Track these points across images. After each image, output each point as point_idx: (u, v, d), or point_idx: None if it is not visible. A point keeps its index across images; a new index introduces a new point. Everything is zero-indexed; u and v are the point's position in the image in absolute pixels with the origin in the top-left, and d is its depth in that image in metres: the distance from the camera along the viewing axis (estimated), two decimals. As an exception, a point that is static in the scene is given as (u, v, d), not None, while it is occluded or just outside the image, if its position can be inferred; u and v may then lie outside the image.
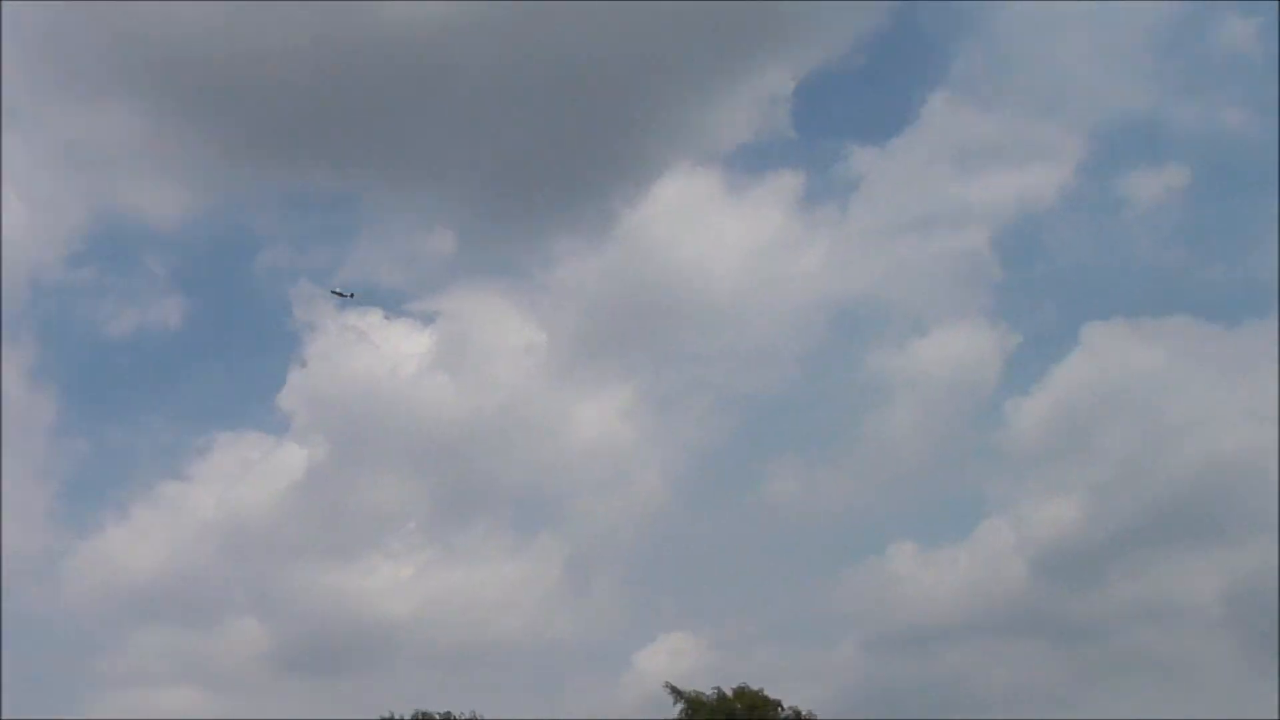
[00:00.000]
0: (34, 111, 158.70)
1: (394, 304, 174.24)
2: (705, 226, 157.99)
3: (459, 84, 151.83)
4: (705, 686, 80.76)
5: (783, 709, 79.70)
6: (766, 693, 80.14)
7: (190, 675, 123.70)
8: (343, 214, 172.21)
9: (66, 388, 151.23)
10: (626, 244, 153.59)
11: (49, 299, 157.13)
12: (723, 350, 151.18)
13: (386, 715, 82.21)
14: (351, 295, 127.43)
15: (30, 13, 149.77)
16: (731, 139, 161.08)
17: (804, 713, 79.74)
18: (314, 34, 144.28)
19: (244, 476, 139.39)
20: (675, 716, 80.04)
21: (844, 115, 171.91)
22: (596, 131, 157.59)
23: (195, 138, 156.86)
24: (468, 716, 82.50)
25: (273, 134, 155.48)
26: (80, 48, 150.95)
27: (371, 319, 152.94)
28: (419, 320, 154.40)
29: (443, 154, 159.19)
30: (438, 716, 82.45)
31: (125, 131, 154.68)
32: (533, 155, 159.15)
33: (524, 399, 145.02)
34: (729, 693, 79.95)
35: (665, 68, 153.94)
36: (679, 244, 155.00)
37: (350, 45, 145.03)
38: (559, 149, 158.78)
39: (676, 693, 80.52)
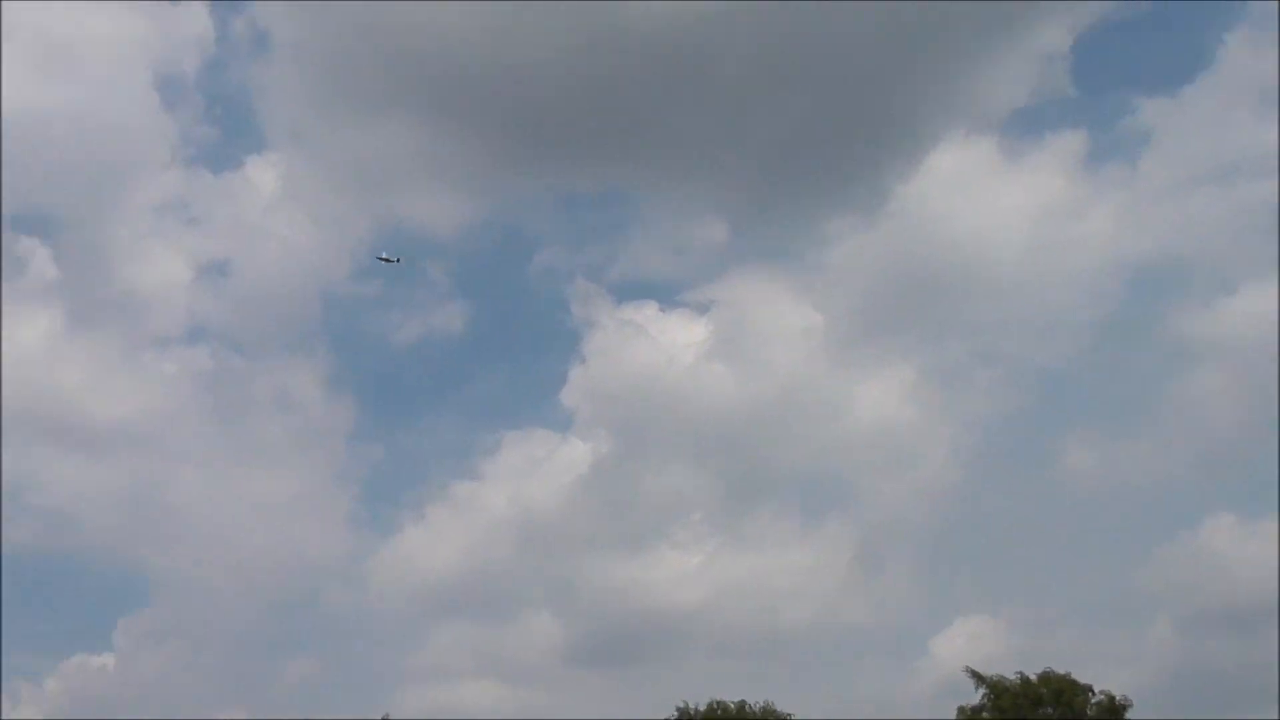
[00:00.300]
0: (317, 131, 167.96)
1: (669, 295, 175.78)
2: (983, 195, 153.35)
3: (721, 71, 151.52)
4: (1007, 671, 76.81)
5: (1094, 694, 74.84)
6: (1075, 677, 75.58)
7: (490, 668, 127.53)
8: (614, 210, 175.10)
9: (360, 396, 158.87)
10: (901, 219, 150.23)
11: (340, 311, 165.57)
12: (1009, 321, 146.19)
13: (681, 705, 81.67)
14: (399, 260, 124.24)
15: (311, 36, 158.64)
16: (1006, 103, 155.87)
17: (1118, 698, 74.68)
18: (575, 38, 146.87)
19: (532, 473, 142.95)
20: (976, 703, 76.43)
21: (1128, 67, 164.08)
22: (864, 107, 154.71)
23: (469, 147, 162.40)
24: (761, 706, 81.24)
25: (543, 137, 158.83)
26: (359, 67, 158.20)
27: (647, 312, 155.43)
28: (694, 310, 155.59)
29: (709, 143, 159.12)
30: (732, 706, 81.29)
31: (403, 145, 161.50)
32: (800, 136, 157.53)
33: (804, 383, 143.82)
34: (1033, 677, 75.68)
35: (932, 36, 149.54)
36: (956, 215, 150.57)
37: (610, 45, 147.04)
38: (826, 128, 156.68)
39: (978, 678, 76.71)
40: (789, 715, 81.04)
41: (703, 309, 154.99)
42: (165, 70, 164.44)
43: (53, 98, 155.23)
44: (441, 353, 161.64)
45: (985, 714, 75.87)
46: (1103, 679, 75.92)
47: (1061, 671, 75.63)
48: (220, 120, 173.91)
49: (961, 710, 76.72)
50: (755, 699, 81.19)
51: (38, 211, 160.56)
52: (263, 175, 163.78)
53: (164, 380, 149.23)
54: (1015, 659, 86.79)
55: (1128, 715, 74.31)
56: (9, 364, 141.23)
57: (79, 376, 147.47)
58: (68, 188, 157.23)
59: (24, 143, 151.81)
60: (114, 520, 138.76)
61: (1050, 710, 74.30)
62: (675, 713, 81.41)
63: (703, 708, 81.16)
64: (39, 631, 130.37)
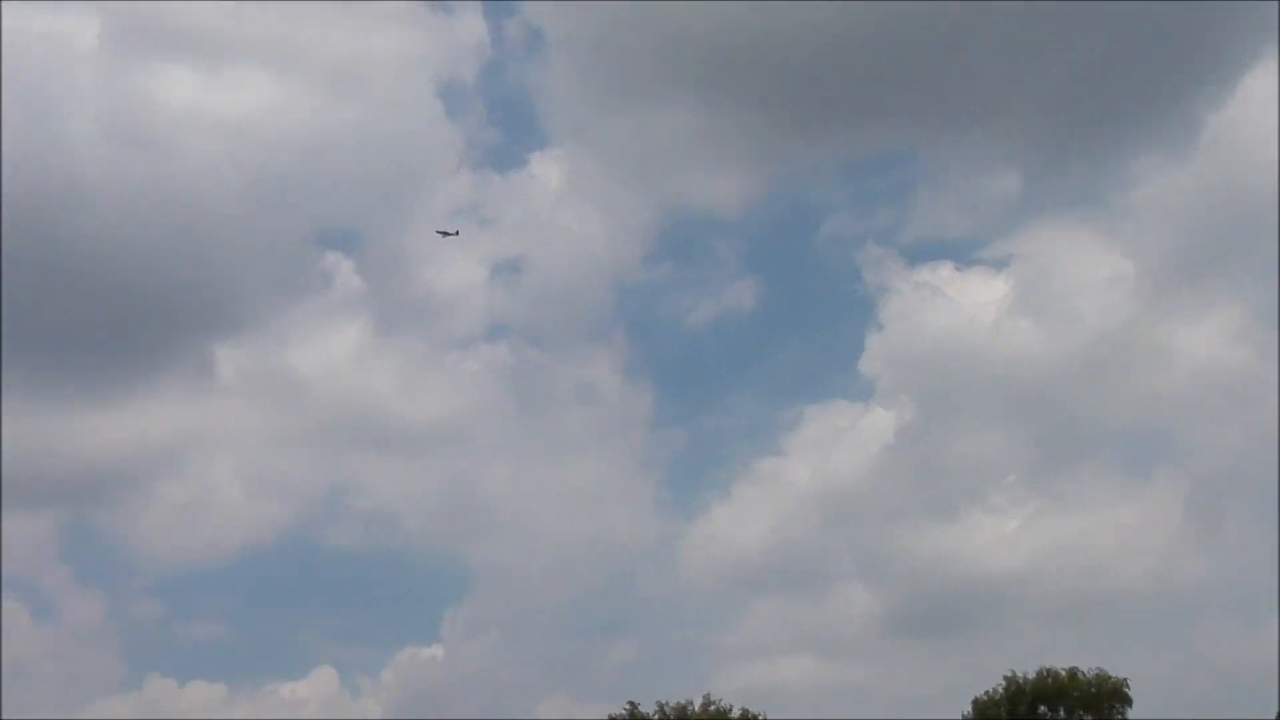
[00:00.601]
0: (597, 122, 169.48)
1: (964, 254, 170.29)
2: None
3: (1002, 12, 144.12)
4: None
5: None
6: None
7: (806, 643, 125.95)
8: (900, 171, 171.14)
9: (658, 380, 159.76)
10: (1215, 150, 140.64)
11: (632, 298, 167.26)
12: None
13: (1008, 674, 78.05)
14: (456, 233, 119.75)
15: (581, 30, 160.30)
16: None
17: None
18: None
19: (835, 445, 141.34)
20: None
21: None
22: (1165, 34, 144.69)
23: (747, 122, 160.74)
24: (1094, 673, 76.72)
25: (820, 104, 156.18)
26: (631, 55, 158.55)
27: (943, 272, 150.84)
28: (992, 267, 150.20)
29: (995, 91, 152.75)
30: (1063, 673, 77.11)
31: (681, 128, 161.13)
32: (1094, 73, 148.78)
33: (1116, 333, 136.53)
34: None
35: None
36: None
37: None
38: (1124, 61, 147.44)
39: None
40: (1123, 680, 76.54)
41: (1001, 265, 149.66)
42: (446, 78, 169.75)
43: (343, 117, 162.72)
44: (735, 331, 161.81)
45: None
46: None
47: None
48: (502, 122, 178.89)
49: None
50: (1086, 665, 77.54)
51: (339, 227, 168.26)
52: (547, 171, 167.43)
53: (469, 379, 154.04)
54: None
55: None
56: (325, 374, 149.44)
57: (390, 381, 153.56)
58: (364, 201, 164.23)
59: (320, 163, 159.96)
60: (432, 517, 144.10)
61: None
62: (1003, 682, 77.82)
63: (1031, 676, 77.36)
64: (372, 627, 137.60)
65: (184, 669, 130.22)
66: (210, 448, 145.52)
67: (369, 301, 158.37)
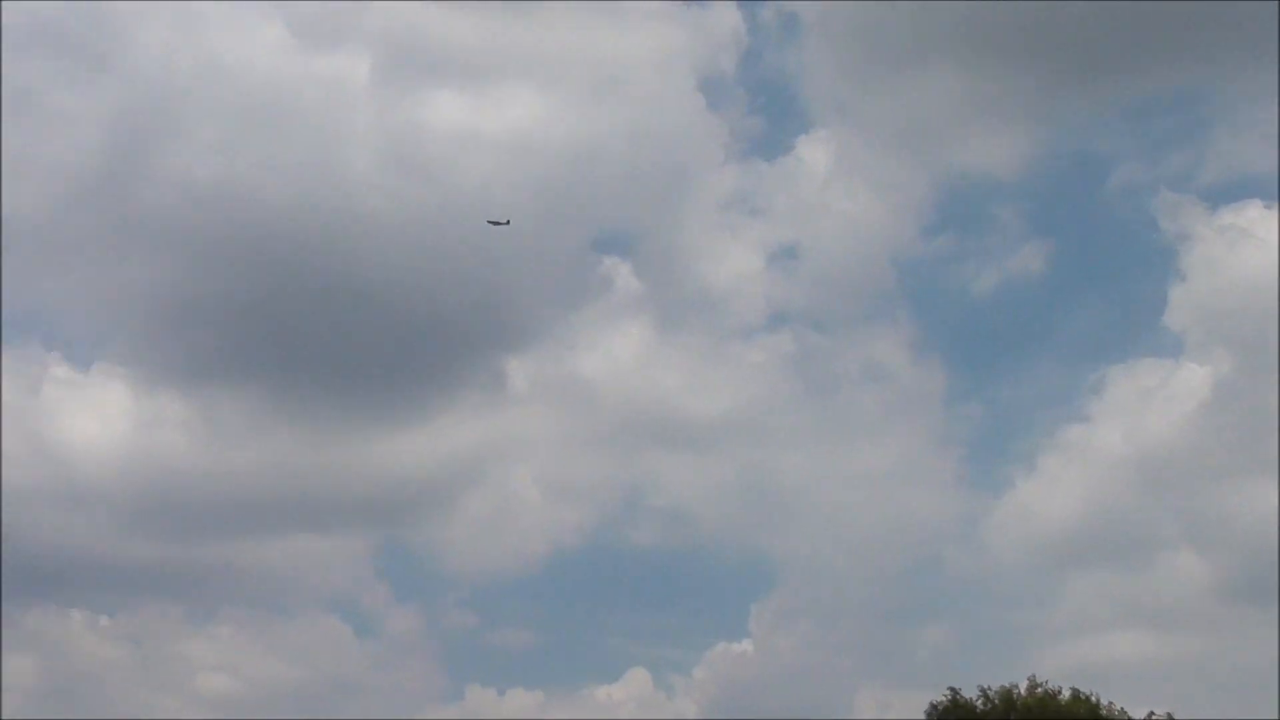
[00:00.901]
0: (861, 99, 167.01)
1: (1273, 190, 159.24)
2: None
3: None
4: None
5: None
6: None
7: (1134, 617, 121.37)
8: (1192, 109, 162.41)
9: (948, 354, 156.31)
10: None
11: (913, 273, 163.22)
12: None
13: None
14: (507, 222, 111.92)
15: (836, 7, 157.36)
16: None
17: None
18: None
19: (1146, 406, 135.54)
20: None
21: None
22: None
23: (1017, 79, 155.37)
24: None
25: (1095, 49, 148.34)
26: (888, 26, 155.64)
27: (1250, 213, 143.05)
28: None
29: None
30: None
31: (949, 94, 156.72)
32: None
33: None
34: None
35: None
36: None
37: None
38: None
39: None
40: None
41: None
42: (706, 72, 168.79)
43: (608, 121, 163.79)
44: (1026, 296, 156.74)
45: None
46: None
47: None
48: (764, 109, 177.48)
49: None
50: None
51: (613, 231, 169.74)
52: (814, 154, 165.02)
53: (754, 369, 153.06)
54: None
55: None
56: (613, 377, 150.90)
57: (676, 378, 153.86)
58: (636, 203, 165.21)
59: (591, 169, 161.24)
60: (729, 510, 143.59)
61: None
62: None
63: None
64: (680, 625, 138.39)
65: (502, 677, 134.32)
66: (509, 458, 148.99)
67: (649, 301, 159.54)
